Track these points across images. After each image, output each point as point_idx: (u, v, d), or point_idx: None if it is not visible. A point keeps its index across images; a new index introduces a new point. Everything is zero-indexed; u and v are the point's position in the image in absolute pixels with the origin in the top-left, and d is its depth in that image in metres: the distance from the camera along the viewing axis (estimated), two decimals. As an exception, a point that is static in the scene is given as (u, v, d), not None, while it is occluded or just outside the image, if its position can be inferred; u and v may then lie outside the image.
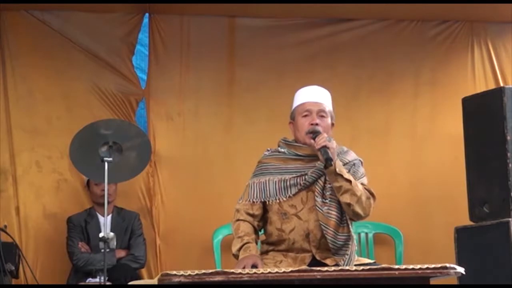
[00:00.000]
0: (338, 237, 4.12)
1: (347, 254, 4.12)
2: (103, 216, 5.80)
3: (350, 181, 4.08)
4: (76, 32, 6.29)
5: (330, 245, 4.11)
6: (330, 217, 4.12)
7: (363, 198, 4.11)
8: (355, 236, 4.27)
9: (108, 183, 4.97)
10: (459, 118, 5.94)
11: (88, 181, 6.05)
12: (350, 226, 4.18)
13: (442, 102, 6.62)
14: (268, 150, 4.35)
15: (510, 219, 5.38)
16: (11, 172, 6.11)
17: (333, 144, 4.10)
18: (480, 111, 5.76)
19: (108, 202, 5.07)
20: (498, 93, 5.64)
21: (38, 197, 6.15)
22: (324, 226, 4.11)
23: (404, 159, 6.55)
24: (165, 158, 6.32)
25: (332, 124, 4.31)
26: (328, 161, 4.03)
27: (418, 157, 6.56)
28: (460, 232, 5.73)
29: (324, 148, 4.06)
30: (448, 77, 6.67)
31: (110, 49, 6.33)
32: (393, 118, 6.61)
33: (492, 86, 6.53)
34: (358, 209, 4.11)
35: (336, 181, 4.09)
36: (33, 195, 6.14)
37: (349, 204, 4.09)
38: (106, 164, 4.92)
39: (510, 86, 5.81)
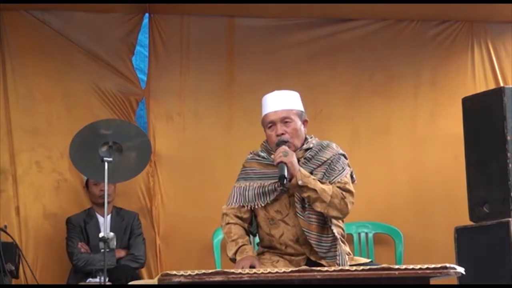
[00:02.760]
0: (323, 239, 4.09)
1: (338, 255, 4.08)
2: (102, 216, 5.81)
3: (315, 190, 4.00)
4: (76, 32, 6.29)
5: (316, 249, 4.08)
6: (311, 221, 4.09)
7: (336, 200, 4.03)
8: (355, 236, 4.25)
9: (108, 183, 4.97)
10: (459, 118, 5.94)
11: (87, 182, 6.05)
12: (332, 227, 4.11)
13: (442, 102, 6.62)
14: (251, 153, 4.32)
15: (510, 219, 5.38)
16: (11, 172, 6.11)
17: (291, 158, 4.01)
18: (480, 111, 5.76)
19: (108, 202, 5.07)
20: (498, 93, 5.64)
21: (38, 197, 6.14)
22: (307, 232, 4.08)
23: (404, 159, 6.55)
24: (165, 158, 6.32)
25: (305, 122, 4.24)
26: (281, 180, 3.98)
27: (418, 157, 6.56)
28: (460, 232, 5.73)
29: (281, 164, 4.00)
30: (448, 77, 6.66)
31: (110, 49, 6.33)
32: (393, 118, 6.60)
33: (492, 86, 6.53)
34: (333, 213, 4.05)
35: (302, 192, 4.04)
36: (33, 195, 6.14)
37: (322, 211, 4.05)
38: (106, 164, 4.92)
39: (510, 86, 5.82)
